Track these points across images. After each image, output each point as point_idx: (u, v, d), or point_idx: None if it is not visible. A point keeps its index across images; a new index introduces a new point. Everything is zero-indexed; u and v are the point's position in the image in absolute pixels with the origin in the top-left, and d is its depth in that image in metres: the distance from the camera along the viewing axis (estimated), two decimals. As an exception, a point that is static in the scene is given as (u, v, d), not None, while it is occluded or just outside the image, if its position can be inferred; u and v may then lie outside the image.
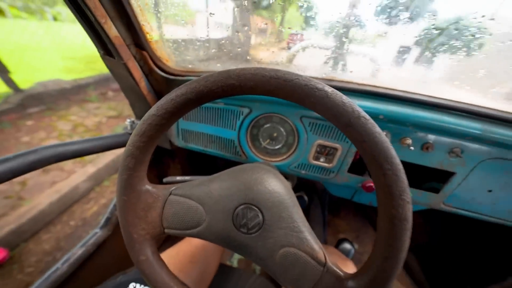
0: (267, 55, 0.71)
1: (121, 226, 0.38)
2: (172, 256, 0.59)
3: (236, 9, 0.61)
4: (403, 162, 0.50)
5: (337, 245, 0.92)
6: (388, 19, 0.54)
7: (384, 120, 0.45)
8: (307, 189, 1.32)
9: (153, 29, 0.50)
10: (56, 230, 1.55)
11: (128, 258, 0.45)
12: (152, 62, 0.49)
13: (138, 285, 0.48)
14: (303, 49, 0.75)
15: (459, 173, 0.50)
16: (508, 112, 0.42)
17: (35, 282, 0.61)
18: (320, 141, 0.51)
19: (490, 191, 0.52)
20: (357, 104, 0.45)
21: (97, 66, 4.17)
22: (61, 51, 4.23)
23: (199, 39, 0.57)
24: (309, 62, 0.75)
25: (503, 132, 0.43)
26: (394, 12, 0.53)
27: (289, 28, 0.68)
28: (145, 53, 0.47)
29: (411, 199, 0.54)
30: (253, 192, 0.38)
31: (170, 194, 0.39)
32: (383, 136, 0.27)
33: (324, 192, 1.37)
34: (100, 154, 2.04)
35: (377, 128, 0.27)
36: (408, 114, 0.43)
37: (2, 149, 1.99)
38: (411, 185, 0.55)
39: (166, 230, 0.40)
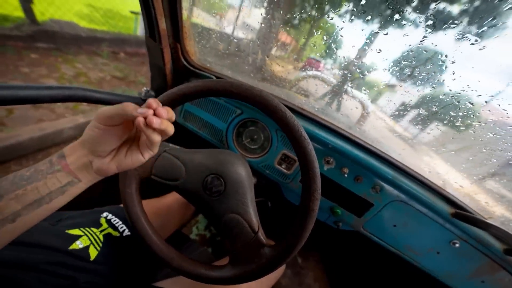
0: (280, 69, 0.82)
1: None
2: (143, 204, 0.70)
3: (265, 19, 0.72)
4: (339, 186, 0.66)
5: None
6: (397, 74, 0.62)
7: (331, 149, 0.62)
8: (273, 199, 1.47)
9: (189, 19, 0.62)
10: (28, 165, 1.56)
11: (105, 198, 0.57)
12: (181, 53, 0.63)
13: (110, 215, 0.59)
14: (313, 77, 0.84)
15: (376, 205, 0.67)
16: (410, 168, 0.61)
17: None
18: (285, 151, 0.67)
19: (394, 226, 0.69)
20: (315, 132, 0.62)
21: (117, 24, 4.17)
22: (88, -4, 4.19)
23: (224, 32, 0.69)
24: (313, 88, 0.86)
25: (406, 181, 0.61)
26: (405, 70, 0.61)
27: (317, 54, 0.77)
28: (178, 45, 0.61)
29: (339, 214, 0.72)
30: (223, 167, 0.53)
31: (164, 151, 0.53)
32: (313, 152, 0.43)
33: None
34: (93, 108, 2.09)
35: (310, 146, 0.42)
36: (347, 149, 0.61)
37: (-2, 72, 1.98)
38: (343, 205, 0.71)
39: (152, 176, 0.53)
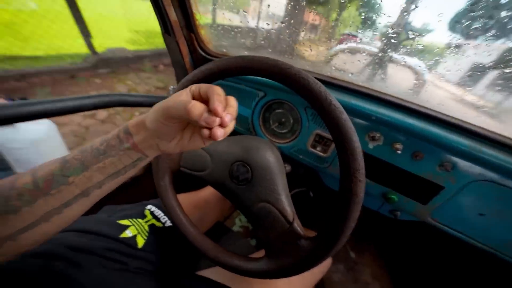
0: (311, 53, 0.70)
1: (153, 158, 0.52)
2: (181, 197, 0.74)
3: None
4: (391, 166, 0.54)
5: None
6: (461, 30, 0.48)
7: (376, 122, 0.50)
8: (315, 188, 1.37)
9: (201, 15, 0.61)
10: (103, 170, 1.93)
11: (151, 194, 0.60)
12: (196, 43, 0.62)
13: (154, 207, 0.64)
14: (351, 51, 0.71)
15: (448, 188, 0.52)
16: (499, 134, 0.43)
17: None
18: (319, 131, 0.59)
19: (481, 214, 0.52)
20: (352, 103, 0.51)
21: (154, 41, 4.68)
22: (129, 24, 4.83)
23: (248, 27, 0.65)
24: (349, 64, 0.69)
25: (494, 153, 0.44)
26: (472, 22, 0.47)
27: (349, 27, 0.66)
28: (192, 35, 0.60)
29: (395, 201, 0.58)
30: (248, 154, 0.49)
31: (190, 142, 0.53)
32: (348, 122, 0.34)
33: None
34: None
35: (344, 115, 0.34)
36: (397, 119, 0.48)
37: (76, 98, 2.49)
38: (400, 190, 0.58)
39: (181, 168, 0.53)
